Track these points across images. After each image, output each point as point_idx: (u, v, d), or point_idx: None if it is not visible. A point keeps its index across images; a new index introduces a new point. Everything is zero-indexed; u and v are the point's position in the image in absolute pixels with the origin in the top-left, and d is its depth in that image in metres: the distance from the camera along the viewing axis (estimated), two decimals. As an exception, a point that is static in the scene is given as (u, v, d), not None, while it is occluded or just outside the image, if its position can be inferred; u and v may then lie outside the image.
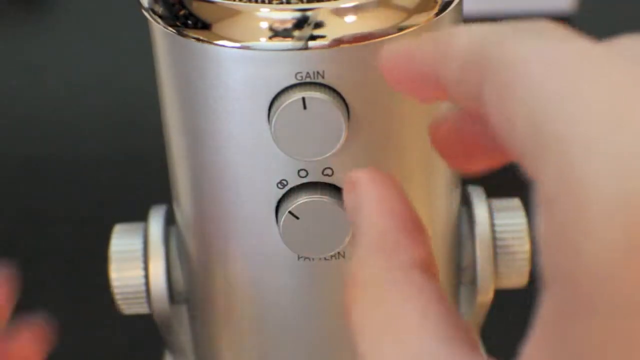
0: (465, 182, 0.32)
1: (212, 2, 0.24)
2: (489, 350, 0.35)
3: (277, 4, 0.24)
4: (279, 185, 0.26)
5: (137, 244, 0.32)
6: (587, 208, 0.15)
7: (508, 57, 0.17)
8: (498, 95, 0.17)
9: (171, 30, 0.25)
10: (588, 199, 0.15)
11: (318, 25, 0.24)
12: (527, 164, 0.17)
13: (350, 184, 0.23)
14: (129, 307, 0.32)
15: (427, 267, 0.21)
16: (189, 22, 0.25)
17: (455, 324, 0.19)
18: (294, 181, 0.26)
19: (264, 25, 0.24)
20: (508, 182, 0.28)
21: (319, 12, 0.24)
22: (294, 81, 0.24)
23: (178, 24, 0.25)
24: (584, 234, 0.15)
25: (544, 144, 0.16)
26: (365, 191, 0.22)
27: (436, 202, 0.29)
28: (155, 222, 0.32)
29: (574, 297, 0.16)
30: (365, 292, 0.20)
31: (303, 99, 0.24)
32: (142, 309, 0.32)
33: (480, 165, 0.23)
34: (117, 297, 0.32)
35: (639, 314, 0.15)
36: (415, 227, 0.21)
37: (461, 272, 0.33)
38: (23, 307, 0.31)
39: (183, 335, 0.35)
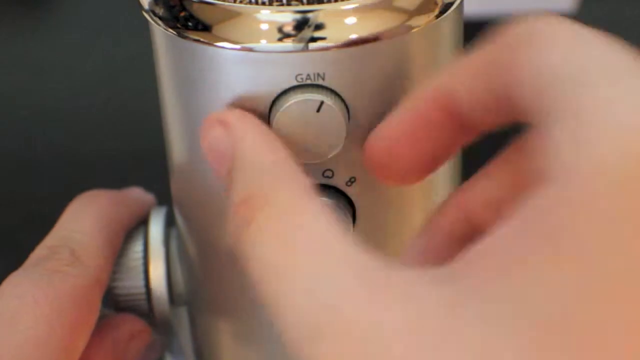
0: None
1: (213, 4, 0.24)
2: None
3: (278, 5, 0.24)
4: (280, 187, 0.26)
5: (137, 245, 0.32)
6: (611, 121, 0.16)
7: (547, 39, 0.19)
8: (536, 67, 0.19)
9: (171, 32, 0.25)
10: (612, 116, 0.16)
11: (318, 27, 0.24)
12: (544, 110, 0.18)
13: (219, 123, 0.23)
14: (130, 308, 0.32)
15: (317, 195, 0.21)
16: (190, 23, 0.25)
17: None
18: (295, 183, 0.26)
19: (265, 27, 0.24)
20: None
21: (320, 13, 0.24)
22: (294, 83, 0.24)
23: (178, 25, 0.25)
24: (606, 136, 0.16)
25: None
26: (245, 127, 0.23)
27: (438, 203, 0.29)
28: (156, 223, 0.32)
29: (579, 188, 0.16)
30: (265, 211, 0.20)
31: (303, 100, 0.24)
32: (142, 310, 0.32)
33: (411, 178, 0.24)
34: (118, 298, 0.32)
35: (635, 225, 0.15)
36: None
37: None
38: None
39: (183, 335, 0.35)
